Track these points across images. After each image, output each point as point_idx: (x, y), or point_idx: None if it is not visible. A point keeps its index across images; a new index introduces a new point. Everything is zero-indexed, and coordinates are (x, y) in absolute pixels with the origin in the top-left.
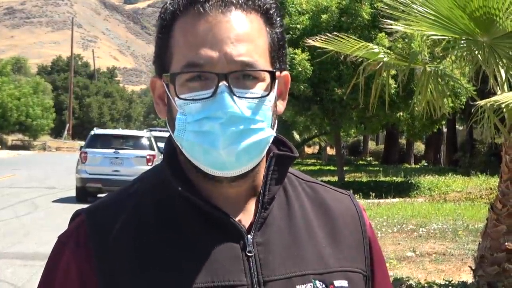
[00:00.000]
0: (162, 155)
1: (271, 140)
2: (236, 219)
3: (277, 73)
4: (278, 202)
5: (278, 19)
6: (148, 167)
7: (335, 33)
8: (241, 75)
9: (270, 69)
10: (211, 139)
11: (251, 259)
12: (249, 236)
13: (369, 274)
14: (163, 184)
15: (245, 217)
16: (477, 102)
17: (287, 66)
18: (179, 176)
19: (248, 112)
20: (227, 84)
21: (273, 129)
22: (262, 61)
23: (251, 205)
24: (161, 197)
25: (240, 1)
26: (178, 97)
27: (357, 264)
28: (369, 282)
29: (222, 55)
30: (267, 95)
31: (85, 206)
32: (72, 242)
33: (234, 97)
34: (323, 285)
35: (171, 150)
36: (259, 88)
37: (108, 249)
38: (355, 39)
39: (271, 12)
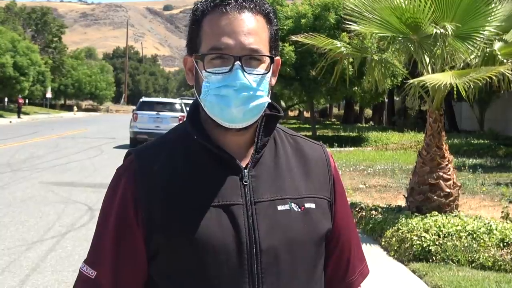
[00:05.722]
0: (187, 114)
1: (266, 105)
2: (237, 159)
3: None
4: (269, 149)
5: (275, 20)
6: None
7: (310, 33)
8: (250, 58)
9: (270, 55)
10: (227, 100)
11: (246, 187)
12: (245, 171)
13: (333, 200)
14: (187, 134)
15: (244, 158)
16: (409, 81)
17: (279, 53)
18: (197, 128)
19: (254, 84)
20: (240, 64)
21: (268, 96)
22: (264, 49)
23: (250, 151)
24: (185, 144)
25: (251, 6)
26: (205, 70)
27: (323, 193)
28: (332, 206)
29: (237, 43)
30: (267, 73)
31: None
32: (127, 173)
33: (245, 73)
34: (297, 206)
35: (194, 110)
36: (262, 68)
37: (148, 179)
38: (324, 37)
39: (271, 14)
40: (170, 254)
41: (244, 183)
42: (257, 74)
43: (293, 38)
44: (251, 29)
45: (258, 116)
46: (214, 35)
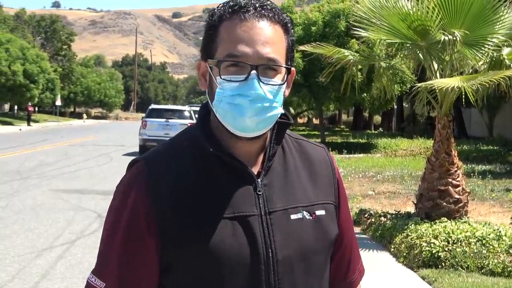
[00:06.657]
0: (196, 118)
1: (279, 115)
2: (250, 168)
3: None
4: (278, 155)
5: (292, 30)
6: None
7: (318, 42)
8: (267, 68)
9: (287, 66)
10: (241, 110)
11: (260, 196)
12: (258, 180)
13: (337, 204)
14: (196, 140)
15: (256, 166)
16: (417, 85)
17: (294, 64)
18: (207, 135)
19: (270, 95)
20: (256, 73)
21: (281, 107)
22: (281, 59)
23: (260, 158)
24: (194, 152)
25: (270, 15)
26: (220, 77)
27: (330, 198)
28: (337, 210)
29: (254, 51)
30: (283, 84)
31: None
32: (136, 182)
33: (261, 83)
34: (309, 214)
35: (204, 115)
36: (278, 78)
37: (161, 190)
38: (332, 46)
39: (288, 25)
40: (185, 266)
41: (258, 192)
42: (273, 85)
43: (301, 47)
44: (269, 38)
45: (271, 126)
46: (231, 42)
